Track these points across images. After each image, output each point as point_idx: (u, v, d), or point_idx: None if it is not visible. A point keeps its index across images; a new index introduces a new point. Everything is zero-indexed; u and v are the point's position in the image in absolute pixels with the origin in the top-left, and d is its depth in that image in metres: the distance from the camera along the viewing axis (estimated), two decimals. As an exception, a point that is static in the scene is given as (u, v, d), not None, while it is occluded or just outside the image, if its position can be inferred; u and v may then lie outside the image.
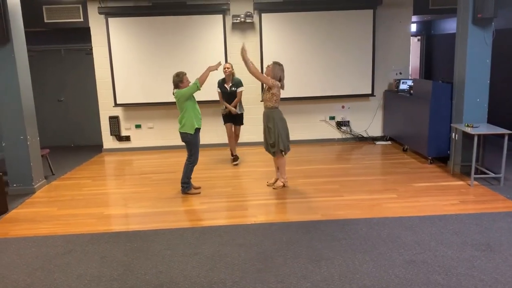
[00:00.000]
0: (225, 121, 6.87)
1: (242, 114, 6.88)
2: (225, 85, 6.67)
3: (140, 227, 4.55)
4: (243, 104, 6.93)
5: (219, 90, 6.75)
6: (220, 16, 7.82)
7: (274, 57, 7.68)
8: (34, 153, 5.90)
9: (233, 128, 6.94)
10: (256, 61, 7.97)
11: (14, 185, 5.81)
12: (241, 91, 6.72)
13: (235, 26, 8.00)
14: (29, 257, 3.92)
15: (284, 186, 5.62)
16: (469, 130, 5.45)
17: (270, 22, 7.91)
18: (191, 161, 5.43)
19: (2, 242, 4.26)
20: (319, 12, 7.89)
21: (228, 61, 6.98)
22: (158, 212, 4.99)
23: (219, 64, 5.44)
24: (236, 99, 6.70)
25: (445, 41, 9.28)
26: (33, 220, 4.87)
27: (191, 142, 5.36)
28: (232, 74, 6.70)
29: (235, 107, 6.73)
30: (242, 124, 6.97)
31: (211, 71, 5.31)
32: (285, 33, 7.95)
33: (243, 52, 5.20)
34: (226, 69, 6.56)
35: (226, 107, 6.72)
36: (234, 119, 6.84)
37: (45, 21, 7.80)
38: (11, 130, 5.69)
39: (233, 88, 6.67)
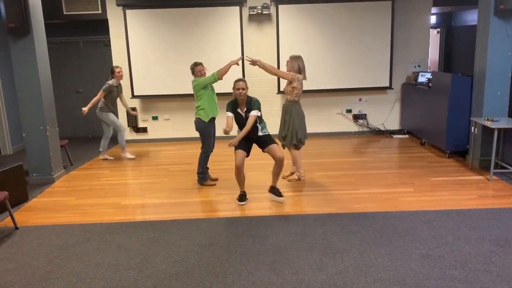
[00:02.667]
0: (239, 147, 4.80)
1: (268, 134, 4.94)
2: (239, 110, 4.83)
3: (156, 217, 4.60)
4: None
5: (231, 115, 4.83)
6: (236, 8, 7.80)
7: (291, 49, 7.68)
8: (53, 144, 5.99)
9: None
10: (273, 54, 7.96)
11: (34, 174, 5.92)
12: (255, 116, 4.77)
13: (251, 18, 7.97)
14: (48, 245, 4.00)
15: (299, 179, 5.61)
16: (489, 124, 5.35)
17: (287, 14, 7.86)
18: (205, 151, 5.47)
19: (22, 230, 4.35)
20: (336, 3, 7.81)
21: (241, 79, 4.84)
22: (175, 202, 5.03)
23: (240, 58, 5.45)
24: (247, 127, 4.74)
25: (466, 33, 9.09)
26: (52, 209, 4.96)
27: (204, 131, 5.38)
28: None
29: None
30: (275, 142, 4.85)
31: (232, 65, 5.31)
32: (302, 24, 7.90)
33: (253, 62, 5.16)
34: (241, 90, 4.68)
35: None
36: (258, 143, 4.93)
37: (64, 13, 7.89)
38: (31, 121, 5.79)
39: (249, 114, 4.82)
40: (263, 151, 4.88)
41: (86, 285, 3.29)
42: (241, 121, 4.84)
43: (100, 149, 7.13)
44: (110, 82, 6.71)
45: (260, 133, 4.87)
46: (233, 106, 4.83)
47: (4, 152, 7.78)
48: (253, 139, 4.87)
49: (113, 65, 6.83)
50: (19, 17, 5.38)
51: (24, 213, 4.85)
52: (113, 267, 3.54)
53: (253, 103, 4.77)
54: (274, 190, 4.95)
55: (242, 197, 4.92)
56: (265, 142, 4.83)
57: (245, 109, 4.79)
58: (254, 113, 4.73)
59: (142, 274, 3.42)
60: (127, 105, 7.25)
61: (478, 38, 5.86)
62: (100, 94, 6.68)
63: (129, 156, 7.17)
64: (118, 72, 6.70)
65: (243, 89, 4.69)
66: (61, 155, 6.29)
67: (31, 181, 5.86)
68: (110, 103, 6.81)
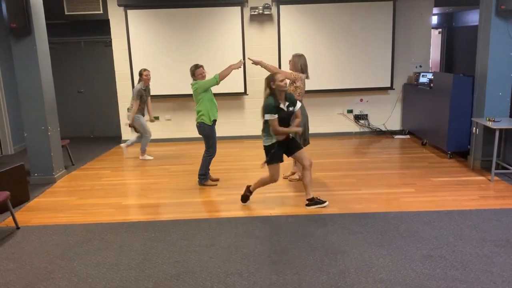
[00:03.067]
0: (278, 159, 4.55)
1: (294, 137, 4.72)
2: (281, 106, 4.37)
3: (157, 217, 4.60)
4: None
5: (276, 116, 4.32)
6: (238, 8, 7.80)
7: (292, 50, 7.65)
8: (54, 144, 6.00)
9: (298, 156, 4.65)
10: (274, 54, 7.96)
11: (35, 174, 5.93)
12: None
13: (253, 18, 7.97)
14: (50, 245, 4.01)
15: (300, 179, 5.60)
16: (490, 124, 5.35)
17: (289, 14, 7.86)
18: (210, 154, 5.46)
19: (24, 230, 4.36)
20: (338, 3, 7.81)
21: (274, 72, 4.47)
22: (176, 202, 5.04)
23: (241, 62, 5.40)
24: (299, 119, 4.56)
25: (467, 34, 9.07)
26: (53, 209, 4.96)
27: (208, 135, 5.38)
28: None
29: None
30: (302, 146, 4.77)
31: (233, 69, 5.28)
32: (303, 25, 7.90)
33: (256, 62, 5.21)
34: (284, 80, 4.36)
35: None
36: (288, 147, 4.59)
37: (66, 13, 7.90)
38: (32, 121, 5.79)
39: (291, 108, 4.46)
40: (290, 156, 4.67)
41: (87, 285, 3.29)
42: (283, 117, 4.39)
43: (141, 150, 7.15)
44: (139, 86, 6.74)
45: (290, 135, 4.57)
46: (274, 104, 4.32)
47: (6, 152, 7.79)
48: (285, 143, 4.52)
49: (141, 68, 6.83)
50: (20, 17, 5.39)
51: (25, 213, 4.85)
52: (114, 267, 3.55)
53: (293, 97, 4.53)
54: (313, 202, 4.69)
55: (246, 198, 4.91)
56: (294, 146, 4.59)
57: (287, 103, 4.43)
58: (300, 104, 4.60)
59: (143, 274, 3.42)
60: (151, 110, 7.14)
61: (480, 39, 5.86)
62: (134, 102, 6.72)
63: (148, 158, 7.16)
64: (146, 75, 6.72)
65: (282, 80, 4.32)
66: (62, 155, 6.30)
67: (32, 181, 5.86)
68: (141, 106, 6.85)
